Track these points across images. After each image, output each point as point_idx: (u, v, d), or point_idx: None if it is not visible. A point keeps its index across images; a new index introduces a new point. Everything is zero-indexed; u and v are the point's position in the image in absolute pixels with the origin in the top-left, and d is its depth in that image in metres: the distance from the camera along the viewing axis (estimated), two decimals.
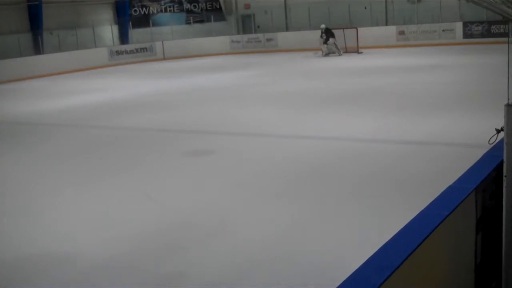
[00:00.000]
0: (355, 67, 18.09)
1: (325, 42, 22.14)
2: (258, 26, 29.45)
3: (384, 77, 14.92)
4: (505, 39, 18.03)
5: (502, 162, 3.12)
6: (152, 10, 29.79)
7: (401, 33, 24.19)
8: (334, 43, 22.08)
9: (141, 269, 4.51)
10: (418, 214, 2.68)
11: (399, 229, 2.54)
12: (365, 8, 25.88)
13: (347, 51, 22.98)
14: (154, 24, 28.66)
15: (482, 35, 22.10)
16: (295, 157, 7.58)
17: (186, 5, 30.54)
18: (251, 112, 11.34)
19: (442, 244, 2.69)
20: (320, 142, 8.41)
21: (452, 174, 3.35)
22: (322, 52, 22.24)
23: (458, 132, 8.18)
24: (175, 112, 12.06)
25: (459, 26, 22.77)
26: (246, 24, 30.32)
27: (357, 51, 22.70)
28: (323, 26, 22.41)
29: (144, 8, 29.67)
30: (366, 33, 23.66)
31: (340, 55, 21.98)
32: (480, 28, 22.30)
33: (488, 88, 10.83)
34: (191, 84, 16.79)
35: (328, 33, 22.05)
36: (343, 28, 23.69)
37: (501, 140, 3.21)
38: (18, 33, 23.58)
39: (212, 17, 30.04)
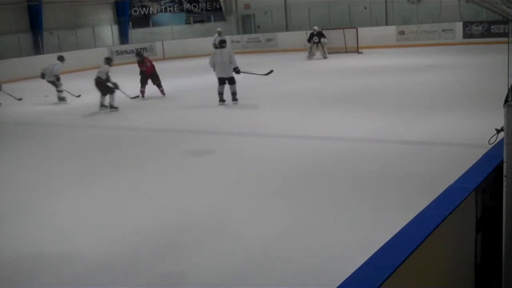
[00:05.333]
0: (355, 67, 18.09)
1: (317, 43, 21.60)
2: (258, 26, 29.45)
3: (384, 77, 14.92)
4: (505, 39, 18.03)
5: (502, 162, 3.12)
6: (152, 10, 29.79)
7: (401, 33, 24.20)
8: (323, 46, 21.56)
9: (141, 269, 4.51)
10: (418, 214, 2.68)
11: (399, 229, 2.54)
12: (365, 8, 25.88)
13: (347, 51, 22.98)
14: (154, 24, 28.65)
15: (482, 35, 22.11)
16: (295, 156, 7.58)
17: (186, 5, 30.54)
18: (251, 112, 11.34)
19: (442, 244, 2.68)
20: (320, 142, 8.41)
21: (452, 174, 3.34)
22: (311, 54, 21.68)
23: (458, 132, 8.18)
24: (175, 112, 12.06)
25: (459, 26, 22.77)
26: (246, 24, 30.32)
27: (357, 51, 22.70)
28: (315, 28, 22.13)
29: (144, 8, 29.67)
30: (366, 33, 23.65)
31: (325, 57, 21.51)
32: (480, 28, 22.30)
33: (488, 88, 10.83)
34: (191, 84, 16.78)
35: (320, 35, 21.75)
36: (343, 28, 23.69)
37: (501, 140, 3.21)
38: (18, 33, 23.57)
39: (212, 17, 30.04)
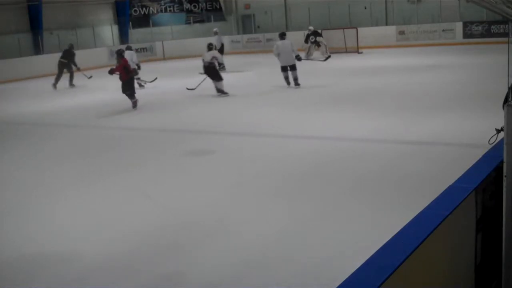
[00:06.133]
0: (355, 67, 18.09)
1: (314, 43, 21.56)
2: (258, 26, 29.45)
3: (384, 77, 14.93)
4: (505, 39, 18.04)
5: (502, 162, 3.12)
6: (152, 10, 29.79)
7: (401, 33, 24.20)
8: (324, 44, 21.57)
9: (141, 269, 4.52)
10: (418, 214, 2.68)
11: (399, 229, 2.54)
12: (365, 8, 25.88)
13: (347, 51, 22.97)
14: (154, 24, 28.65)
15: (482, 35, 22.11)
16: (295, 156, 7.58)
17: (186, 5, 30.54)
18: (251, 112, 11.34)
19: (442, 244, 2.68)
20: (320, 142, 8.41)
21: (452, 174, 3.34)
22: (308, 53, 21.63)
23: (458, 132, 8.18)
24: (175, 112, 12.07)
25: (459, 26, 22.77)
26: (246, 24, 30.32)
27: (357, 51, 22.70)
28: (311, 28, 22.10)
29: (144, 8, 29.67)
30: (366, 33, 23.65)
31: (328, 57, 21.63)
32: (480, 28, 22.31)
33: (488, 88, 10.83)
34: (191, 84, 16.77)
35: (316, 34, 21.76)
36: (343, 28, 23.69)
37: (501, 140, 3.21)
38: (18, 33, 23.57)
39: (212, 17, 30.03)
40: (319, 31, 21.97)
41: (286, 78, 14.16)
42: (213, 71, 13.70)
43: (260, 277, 4.22)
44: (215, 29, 20.50)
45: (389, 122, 9.22)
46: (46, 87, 17.38)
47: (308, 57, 21.35)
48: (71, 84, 17.60)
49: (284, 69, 14.14)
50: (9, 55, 21.80)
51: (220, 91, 13.53)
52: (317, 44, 21.60)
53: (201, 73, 14.46)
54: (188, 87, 14.26)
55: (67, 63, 17.56)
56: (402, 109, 10.29)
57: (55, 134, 10.65)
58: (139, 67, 16.01)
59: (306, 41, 21.85)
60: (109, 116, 12.12)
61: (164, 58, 26.40)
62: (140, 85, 15.83)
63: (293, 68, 14.06)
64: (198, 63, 19.28)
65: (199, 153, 8.26)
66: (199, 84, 14.07)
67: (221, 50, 19.73)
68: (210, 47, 14.27)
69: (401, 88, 12.90)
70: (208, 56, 13.83)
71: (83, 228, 5.51)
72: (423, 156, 7.18)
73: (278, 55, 14.06)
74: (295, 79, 14.05)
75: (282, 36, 14.63)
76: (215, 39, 19.82)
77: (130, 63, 15.50)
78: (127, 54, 15.93)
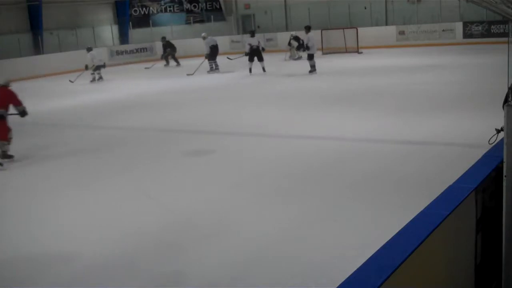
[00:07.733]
0: (355, 67, 18.09)
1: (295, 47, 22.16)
2: (258, 26, 29.45)
3: (384, 77, 14.93)
4: (505, 39, 18.04)
5: (502, 162, 3.12)
6: (152, 10, 29.80)
7: (401, 33, 24.21)
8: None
9: (141, 269, 4.52)
10: (418, 214, 2.68)
11: (399, 229, 2.54)
12: (365, 8, 25.90)
13: (347, 51, 22.98)
14: (154, 24, 28.65)
15: (482, 35, 22.12)
16: (295, 157, 7.58)
17: (186, 5, 30.55)
18: (251, 112, 11.34)
19: (442, 244, 2.69)
20: (319, 142, 8.41)
21: (452, 174, 3.35)
22: (291, 55, 22.34)
23: (458, 132, 8.19)
24: (176, 112, 12.07)
25: (459, 26, 22.78)
26: (246, 24, 30.32)
27: (357, 51, 22.70)
28: (293, 33, 22.36)
29: (144, 8, 29.68)
30: (366, 33, 23.67)
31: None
32: (480, 28, 22.32)
33: (488, 88, 10.83)
34: (191, 84, 16.79)
35: (296, 39, 21.98)
36: (343, 28, 23.70)
37: (501, 140, 3.21)
38: (18, 33, 23.59)
39: (212, 17, 30.04)
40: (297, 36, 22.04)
41: (313, 66, 16.81)
42: (260, 53, 17.18)
43: (260, 277, 4.22)
44: (203, 34, 20.18)
45: (389, 122, 9.22)
46: (46, 87, 17.40)
47: (294, 58, 21.73)
48: (177, 63, 22.70)
49: (313, 57, 16.71)
50: (9, 55, 21.81)
51: (263, 69, 17.13)
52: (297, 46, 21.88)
53: (229, 58, 20.05)
54: (229, 57, 19.71)
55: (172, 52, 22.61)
56: (402, 109, 10.29)
57: (55, 134, 10.65)
58: (104, 66, 19.03)
59: (290, 43, 22.19)
60: (108, 116, 12.12)
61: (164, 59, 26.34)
62: (101, 78, 18.72)
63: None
64: (198, 63, 19.33)
65: (199, 153, 8.26)
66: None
67: (213, 52, 19.46)
68: (252, 32, 18.11)
69: (401, 88, 12.90)
70: (255, 40, 17.47)
71: (83, 228, 5.51)
72: (423, 156, 7.18)
73: (312, 45, 16.54)
74: (313, 66, 16.81)
75: (309, 29, 16.94)
76: (204, 43, 19.59)
77: (97, 59, 18.61)
78: (91, 57, 18.47)
